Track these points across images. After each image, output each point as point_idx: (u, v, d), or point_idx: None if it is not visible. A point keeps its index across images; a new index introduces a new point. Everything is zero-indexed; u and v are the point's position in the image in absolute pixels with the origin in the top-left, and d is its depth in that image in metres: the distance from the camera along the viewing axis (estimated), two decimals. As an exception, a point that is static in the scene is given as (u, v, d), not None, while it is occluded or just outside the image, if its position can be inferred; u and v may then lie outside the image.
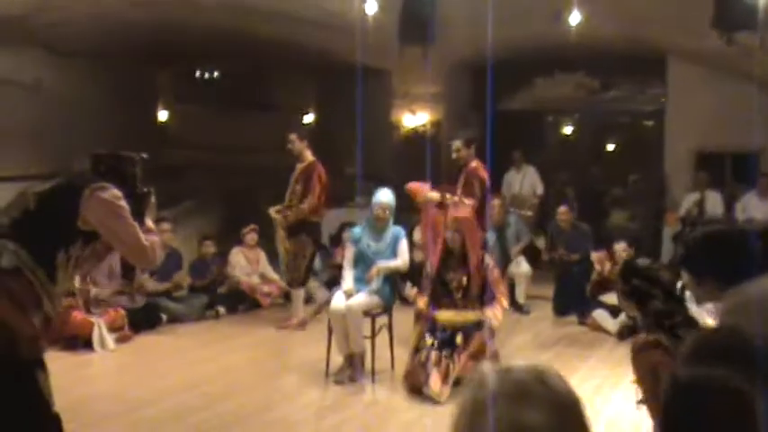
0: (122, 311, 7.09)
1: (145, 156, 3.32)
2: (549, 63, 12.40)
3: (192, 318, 7.89)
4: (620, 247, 7.49)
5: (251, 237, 8.64)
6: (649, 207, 11.90)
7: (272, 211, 7.48)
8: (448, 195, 6.14)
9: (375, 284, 5.81)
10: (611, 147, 17.37)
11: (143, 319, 7.36)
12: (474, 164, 6.36)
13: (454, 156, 6.53)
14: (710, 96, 10.93)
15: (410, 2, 9.79)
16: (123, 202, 3.04)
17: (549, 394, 1.29)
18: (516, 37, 10.70)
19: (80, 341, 6.60)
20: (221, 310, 8.21)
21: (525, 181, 11.46)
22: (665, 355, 3.06)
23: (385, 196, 5.94)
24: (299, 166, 7.38)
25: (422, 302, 5.68)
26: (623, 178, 15.14)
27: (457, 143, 6.54)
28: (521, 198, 11.14)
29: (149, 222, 3.25)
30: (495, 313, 5.49)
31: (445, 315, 5.51)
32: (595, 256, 7.80)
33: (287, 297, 8.29)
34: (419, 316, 5.63)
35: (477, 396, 1.32)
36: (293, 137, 7.46)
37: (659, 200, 11.60)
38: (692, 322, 3.16)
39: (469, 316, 5.48)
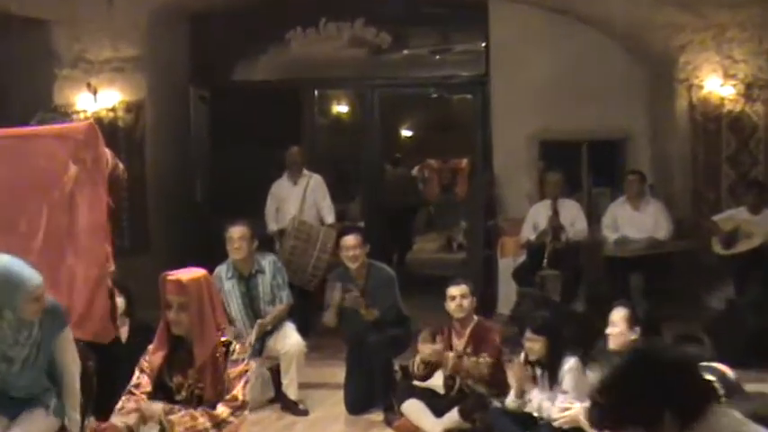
0: None
1: None
2: (311, 9, 9.76)
3: None
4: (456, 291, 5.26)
5: None
6: (474, 228, 9.55)
7: None
8: None
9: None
10: (408, 134, 16.19)
11: None
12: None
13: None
14: (554, 55, 8.94)
15: None
16: None
17: None
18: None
19: None
20: None
21: (308, 198, 8.58)
22: None
23: None
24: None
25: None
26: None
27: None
28: (306, 228, 8.12)
29: None
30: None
31: None
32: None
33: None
34: None
35: None
36: None
37: (487, 217, 8.99)
38: None
39: None
